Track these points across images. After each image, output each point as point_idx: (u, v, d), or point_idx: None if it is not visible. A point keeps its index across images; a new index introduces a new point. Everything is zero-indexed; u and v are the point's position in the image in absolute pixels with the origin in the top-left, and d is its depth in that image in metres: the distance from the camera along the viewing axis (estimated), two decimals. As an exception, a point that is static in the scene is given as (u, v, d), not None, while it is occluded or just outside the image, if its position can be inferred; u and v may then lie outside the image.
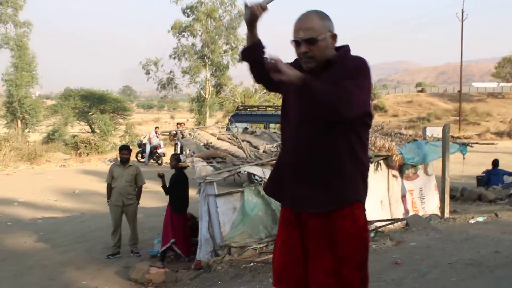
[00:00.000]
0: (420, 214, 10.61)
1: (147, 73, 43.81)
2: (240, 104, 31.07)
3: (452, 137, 18.45)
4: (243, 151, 9.03)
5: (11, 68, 39.30)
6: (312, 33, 2.93)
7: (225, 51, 44.25)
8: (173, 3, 43.24)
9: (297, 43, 2.97)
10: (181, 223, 9.19)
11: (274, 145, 9.56)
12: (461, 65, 54.36)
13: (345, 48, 3.07)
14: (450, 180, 11.02)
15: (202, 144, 9.46)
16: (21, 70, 38.91)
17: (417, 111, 68.13)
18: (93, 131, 41.51)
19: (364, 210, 3.08)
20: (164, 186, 9.61)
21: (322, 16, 3.00)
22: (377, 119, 63.36)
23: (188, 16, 43.35)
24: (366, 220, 3.08)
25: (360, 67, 2.91)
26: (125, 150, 10.27)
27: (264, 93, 48.81)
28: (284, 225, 3.16)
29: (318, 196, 2.97)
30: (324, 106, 2.76)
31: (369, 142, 10.29)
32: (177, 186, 9.30)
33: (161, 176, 9.54)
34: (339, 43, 3.03)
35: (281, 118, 3.23)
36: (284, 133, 3.21)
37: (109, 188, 10.18)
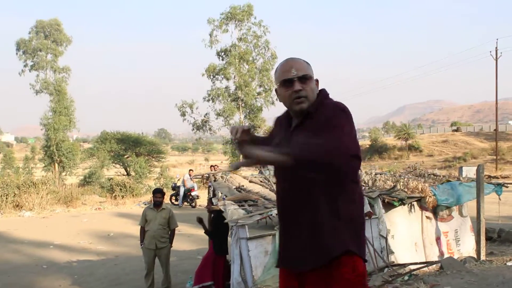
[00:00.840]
0: (456, 256, 10.42)
1: (183, 115, 44.29)
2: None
3: (489, 176, 18.18)
4: (275, 194, 9.06)
5: (50, 113, 40.26)
6: (304, 71, 2.96)
7: (258, 93, 44.58)
8: (208, 47, 44.01)
9: (288, 82, 2.94)
10: (222, 265, 9.21)
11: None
12: (496, 103, 53.79)
13: (324, 93, 3.04)
14: (487, 221, 10.84)
15: (234, 187, 9.51)
16: (59, 114, 39.83)
17: (452, 151, 67.41)
18: (128, 174, 41.95)
19: (359, 259, 2.89)
20: (206, 230, 9.66)
21: (306, 61, 3.05)
22: (412, 159, 62.82)
23: (222, 59, 44.00)
24: (362, 269, 2.90)
25: (339, 113, 2.85)
26: (158, 193, 10.36)
27: (298, 134, 48.85)
28: (283, 276, 3.10)
29: (304, 254, 2.90)
30: (315, 164, 2.67)
31: (400, 183, 10.24)
32: (220, 227, 9.34)
33: (200, 221, 9.58)
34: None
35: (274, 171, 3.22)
36: (276, 187, 3.20)
37: (142, 231, 10.26)
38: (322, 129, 2.77)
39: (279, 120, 3.19)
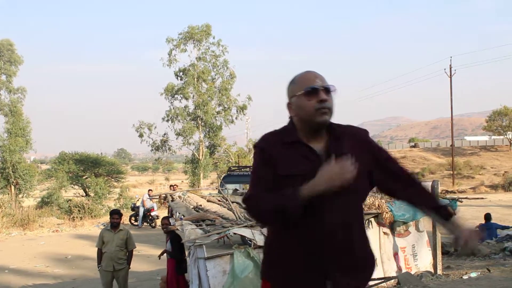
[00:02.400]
0: (413, 271, 10.54)
1: (141, 135, 44.09)
2: (232, 165, 31.17)
3: (446, 191, 18.42)
4: (233, 212, 9.05)
5: (5, 134, 39.56)
6: (328, 83, 2.78)
7: (218, 112, 44.70)
8: (166, 66, 44.00)
9: (314, 91, 2.71)
10: (185, 285, 9.17)
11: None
12: (451, 119, 54.86)
13: None
14: (444, 235, 11.01)
15: (192, 206, 9.48)
16: (14, 136, 39.17)
17: (411, 166, 68.33)
18: (87, 195, 41.42)
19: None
20: (168, 253, 9.63)
21: None
22: (372, 175, 63.42)
23: (180, 79, 44.01)
24: None
25: (367, 136, 2.96)
26: (115, 214, 10.25)
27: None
28: None
29: None
30: None
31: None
32: (178, 247, 9.32)
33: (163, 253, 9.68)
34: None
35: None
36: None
37: (100, 253, 10.12)
38: (378, 151, 2.92)
39: (277, 145, 2.79)
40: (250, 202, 2.72)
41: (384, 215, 10.28)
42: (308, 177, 2.59)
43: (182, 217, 8.96)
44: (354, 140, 2.81)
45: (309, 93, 2.71)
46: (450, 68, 53.00)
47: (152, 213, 25.15)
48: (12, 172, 39.13)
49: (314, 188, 2.55)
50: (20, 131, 39.61)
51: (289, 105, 2.83)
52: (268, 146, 2.79)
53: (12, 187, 39.68)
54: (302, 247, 2.69)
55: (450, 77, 52.55)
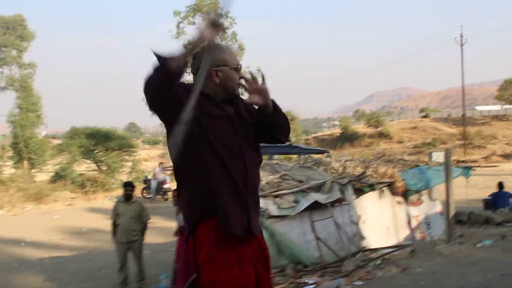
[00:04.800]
0: (427, 239, 10.58)
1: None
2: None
3: (458, 161, 18.39)
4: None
5: (16, 109, 39.62)
6: None
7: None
8: (175, 39, 43.82)
9: (238, 69, 3.26)
10: None
11: (276, 176, 9.60)
12: (463, 89, 54.55)
13: None
14: (457, 204, 11.03)
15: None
16: (26, 111, 39.19)
17: (422, 137, 68.15)
18: (99, 169, 41.59)
19: None
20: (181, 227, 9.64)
21: None
22: (382, 146, 63.39)
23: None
24: None
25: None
26: (128, 186, 10.30)
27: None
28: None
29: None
30: (286, 127, 3.35)
31: (370, 169, 10.35)
32: None
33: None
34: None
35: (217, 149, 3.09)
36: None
37: (114, 225, 10.20)
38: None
39: (186, 89, 3.10)
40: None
41: (396, 184, 10.30)
42: (221, 120, 3.12)
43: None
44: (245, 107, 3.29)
45: (237, 69, 3.24)
46: (461, 37, 52.52)
47: (165, 186, 25.31)
48: (25, 147, 39.27)
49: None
50: (32, 107, 39.64)
51: (216, 71, 3.19)
52: (184, 88, 3.12)
53: (25, 162, 39.86)
54: (231, 184, 3.05)
55: (461, 46, 52.11)
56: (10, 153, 42.57)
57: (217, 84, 3.19)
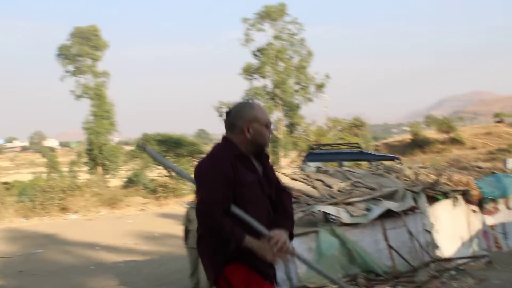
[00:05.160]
0: (504, 250, 10.26)
1: (220, 115, 44.55)
2: (313, 143, 31.03)
3: (535, 168, 17.77)
4: (317, 190, 9.04)
5: (91, 117, 40.86)
6: None
7: (296, 91, 44.56)
8: (243, 46, 44.21)
9: (269, 125, 3.67)
10: None
11: (348, 183, 9.53)
12: (540, 93, 52.61)
13: None
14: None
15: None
16: (100, 118, 40.42)
17: (496, 143, 66.12)
18: (170, 175, 42.27)
19: None
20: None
21: None
22: (455, 152, 61.87)
23: (258, 58, 44.08)
24: None
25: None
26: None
27: (339, 131, 48.68)
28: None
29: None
30: None
31: (444, 176, 10.12)
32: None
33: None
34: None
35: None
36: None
37: (186, 231, 10.33)
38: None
39: (233, 162, 3.51)
40: (206, 208, 3.39)
41: (471, 192, 10.03)
42: (254, 185, 3.54)
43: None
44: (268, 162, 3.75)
45: (267, 126, 3.64)
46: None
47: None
48: (99, 153, 40.44)
49: (254, 248, 3.35)
50: (105, 114, 40.83)
51: (247, 127, 3.57)
52: (231, 163, 3.49)
53: (99, 167, 41.01)
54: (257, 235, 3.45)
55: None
56: (85, 159, 43.86)
57: (248, 139, 3.58)
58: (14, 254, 16.42)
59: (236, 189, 3.45)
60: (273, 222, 3.57)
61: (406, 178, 10.27)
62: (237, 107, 3.72)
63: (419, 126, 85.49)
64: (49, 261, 15.01)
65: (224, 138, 3.71)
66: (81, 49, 40.49)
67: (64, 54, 40.95)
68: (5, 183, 36.20)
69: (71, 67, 41.27)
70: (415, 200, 8.95)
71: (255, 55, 44.35)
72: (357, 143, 22.54)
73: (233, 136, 3.64)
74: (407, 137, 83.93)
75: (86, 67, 40.98)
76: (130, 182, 40.74)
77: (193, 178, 3.62)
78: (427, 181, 9.93)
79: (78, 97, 41.39)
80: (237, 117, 3.64)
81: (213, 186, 3.42)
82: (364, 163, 20.13)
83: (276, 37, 44.17)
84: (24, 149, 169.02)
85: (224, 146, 3.64)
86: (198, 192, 3.51)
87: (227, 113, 3.73)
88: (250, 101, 3.83)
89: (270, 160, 3.81)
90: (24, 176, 56.30)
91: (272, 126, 3.73)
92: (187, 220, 10.29)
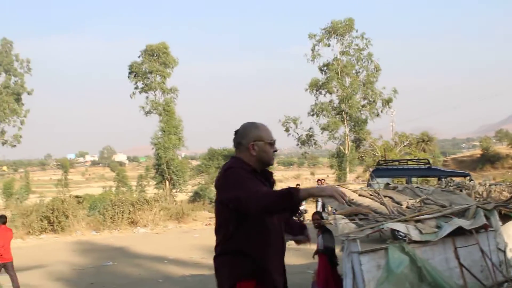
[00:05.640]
0: None
1: (286, 130, 44.64)
2: (380, 159, 30.72)
3: None
4: (386, 207, 8.94)
5: (159, 132, 41.70)
6: None
7: (363, 106, 44.23)
8: (310, 62, 44.28)
9: (273, 143, 4.03)
10: (338, 278, 9.25)
11: (417, 200, 9.38)
12: None
13: None
14: None
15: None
16: (168, 134, 41.19)
17: None
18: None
19: None
20: (320, 250, 9.76)
21: None
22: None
23: (324, 74, 44.02)
24: None
25: None
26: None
27: (405, 145, 47.98)
28: None
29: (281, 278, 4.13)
30: None
31: None
32: (330, 242, 9.48)
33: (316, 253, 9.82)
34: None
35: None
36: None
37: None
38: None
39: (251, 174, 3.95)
40: (259, 194, 3.67)
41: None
42: None
43: (335, 211, 9.00)
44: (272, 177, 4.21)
45: (271, 144, 4.01)
46: None
47: (301, 208, 25.44)
48: (167, 168, 41.15)
49: (313, 191, 3.91)
50: (173, 129, 41.58)
51: (252, 145, 3.95)
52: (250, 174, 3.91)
53: (167, 182, 41.73)
54: (275, 256, 4.00)
55: None
56: (153, 174, 44.75)
57: (254, 156, 3.96)
58: (86, 266, 16.91)
59: None
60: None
61: (477, 195, 10.04)
62: (243, 127, 4.08)
63: (489, 141, 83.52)
64: (119, 274, 15.37)
65: (233, 157, 4.09)
66: (151, 66, 41.50)
67: (134, 71, 42.07)
68: (77, 196, 37.30)
69: (141, 84, 42.34)
70: (487, 218, 8.73)
71: (321, 70, 44.33)
72: (426, 159, 22.22)
73: (241, 154, 4.02)
74: (477, 152, 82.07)
75: (155, 84, 41.93)
76: (197, 197, 41.31)
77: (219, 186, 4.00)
78: (500, 198, 9.67)
79: (147, 113, 42.36)
80: (243, 136, 4.02)
81: (247, 182, 3.80)
82: (433, 179, 19.80)
83: (343, 53, 44.05)
84: (94, 163, 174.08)
85: (236, 163, 3.99)
86: (235, 192, 3.77)
87: (235, 133, 4.09)
88: (255, 122, 4.13)
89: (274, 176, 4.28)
90: (94, 190, 58.02)
91: (276, 144, 4.10)
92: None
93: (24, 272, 15.83)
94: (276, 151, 4.07)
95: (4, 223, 12.46)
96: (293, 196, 3.57)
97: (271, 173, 4.17)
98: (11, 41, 48.53)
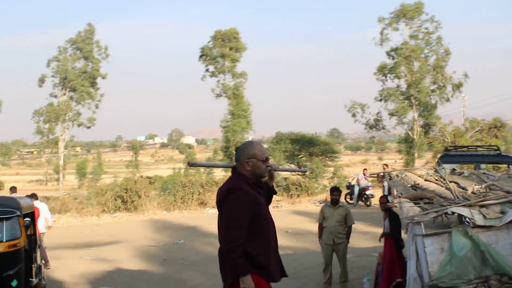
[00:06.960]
0: None
1: (353, 115, 44.48)
2: (448, 145, 30.33)
3: None
4: (451, 192, 9.10)
5: (229, 115, 42.39)
6: None
7: (432, 91, 43.51)
8: (378, 46, 43.88)
9: (266, 160, 4.73)
10: (403, 261, 9.46)
11: (483, 186, 9.49)
12: None
13: None
14: None
15: (409, 185, 9.70)
16: (237, 117, 41.82)
17: None
18: (304, 174, 42.71)
19: None
20: (386, 233, 10.01)
21: None
22: None
23: (392, 58, 43.51)
24: None
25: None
26: (335, 191, 10.77)
27: (476, 131, 46.97)
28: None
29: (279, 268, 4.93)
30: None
31: None
32: (396, 225, 9.69)
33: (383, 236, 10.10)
34: None
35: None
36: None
37: (320, 228, 10.73)
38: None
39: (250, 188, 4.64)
40: (235, 248, 4.37)
41: None
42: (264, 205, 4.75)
43: (400, 195, 9.22)
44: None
45: (264, 161, 4.70)
46: None
47: (367, 192, 25.58)
48: (235, 151, 41.79)
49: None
50: (242, 113, 42.17)
51: (247, 162, 4.64)
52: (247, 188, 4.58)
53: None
54: (272, 247, 4.76)
55: None
56: (221, 156, 45.49)
57: (249, 171, 4.65)
58: (158, 243, 17.69)
59: (257, 207, 4.58)
60: None
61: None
62: (242, 145, 4.84)
63: None
64: (190, 251, 16.05)
65: (234, 171, 4.77)
66: (222, 51, 42.17)
67: (206, 55, 42.86)
68: (148, 177, 38.47)
69: (211, 68, 43.08)
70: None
71: (389, 55, 43.84)
72: (496, 145, 21.84)
73: (240, 169, 4.69)
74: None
75: (226, 68, 42.60)
76: (263, 180, 41.71)
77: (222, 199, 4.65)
78: None
79: (217, 96, 43.12)
80: (240, 153, 4.74)
81: (239, 220, 4.49)
82: (503, 165, 19.50)
83: (412, 36, 43.41)
84: (163, 145, 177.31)
85: (239, 180, 4.63)
86: (228, 222, 4.51)
87: (235, 150, 4.92)
88: (252, 141, 4.99)
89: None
90: (164, 171, 59.41)
91: (275, 162, 4.87)
92: (322, 217, 10.71)
93: (103, 247, 16.77)
94: (270, 166, 4.80)
95: (36, 199, 13.87)
96: (239, 273, 4.36)
97: (265, 183, 4.93)
98: (94, 28, 50.25)
